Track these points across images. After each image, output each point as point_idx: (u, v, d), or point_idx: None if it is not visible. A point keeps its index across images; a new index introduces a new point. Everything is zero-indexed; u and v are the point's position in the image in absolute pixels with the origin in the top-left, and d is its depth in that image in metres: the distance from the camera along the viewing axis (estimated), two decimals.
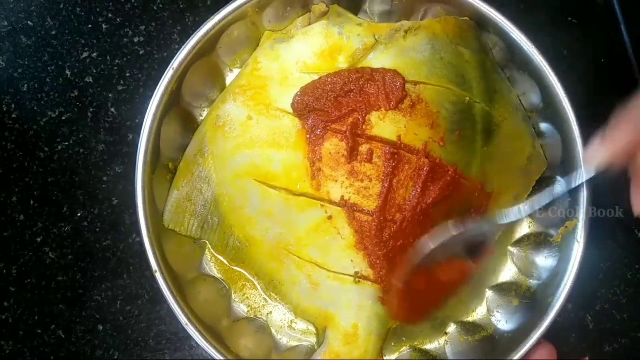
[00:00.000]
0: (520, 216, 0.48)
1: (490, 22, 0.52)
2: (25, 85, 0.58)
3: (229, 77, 0.56)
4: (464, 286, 0.50)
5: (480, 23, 0.53)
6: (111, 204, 0.57)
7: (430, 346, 0.54)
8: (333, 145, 0.49)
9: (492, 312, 0.54)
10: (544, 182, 0.54)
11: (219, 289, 0.54)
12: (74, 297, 0.56)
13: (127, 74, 0.59)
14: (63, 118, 0.58)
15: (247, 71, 0.52)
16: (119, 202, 0.57)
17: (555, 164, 0.54)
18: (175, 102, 0.52)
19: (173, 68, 0.50)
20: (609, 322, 0.58)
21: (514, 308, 0.53)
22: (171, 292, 0.48)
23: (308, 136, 0.50)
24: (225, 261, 0.54)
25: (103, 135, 0.58)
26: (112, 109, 0.58)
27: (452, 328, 0.54)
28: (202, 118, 0.55)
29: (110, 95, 0.58)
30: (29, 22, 0.59)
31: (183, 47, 0.50)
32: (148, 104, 0.56)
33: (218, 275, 0.54)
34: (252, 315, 0.54)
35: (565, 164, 0.52)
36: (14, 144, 0.57)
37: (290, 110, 0.50)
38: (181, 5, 0.60)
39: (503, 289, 0.55)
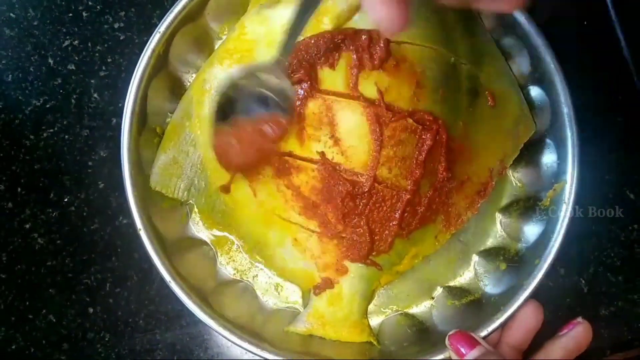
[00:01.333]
0: None
1: None
2: (10, 75, 0.59)
3: (217, 44, 0.57)
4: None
5: None
6: (97, 188, 0.58)
7: (416, 310, 0.54)
8: (317, 105, 0.49)
9: (479, 276, 0.54)
10: (533, 146, 0.54)
11: (206, 251, 0.55)
12: (64, 282, 0.57)
13: (109, 60, 0.59)
14: (47, 106, 0.59)
15: (234, 36, 0.53)
16: (105, 185, 0.58)
17: (545, 128, 0.54)
18: (162, 66, 0.53)
19: (160, 32, 0.51)
20: (604, 285, 0.58)
21: (501, 272, 0.53)
22: (155, 251, 0.49)
23: None
24: (210, 225, 0.55)
25: (87, 120, 0.59)
26: (95, 95, 0.59)
27: (438, 292, 0.54)
28: (190, 83, 0.56)
29: (92, 81, 0.59)
30: (11, 15, 0.60)
31: (170, 11, 0.51)
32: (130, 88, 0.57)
33: (204, 238, 0.55)
34: (238, 278, 0.55)
35: (555, 128, 0.52)
36: (0, 134, 0.58)
37: None
38: None
39: (491, 253, 0.54)
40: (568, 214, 0.50)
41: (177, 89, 0.55)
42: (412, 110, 0.49)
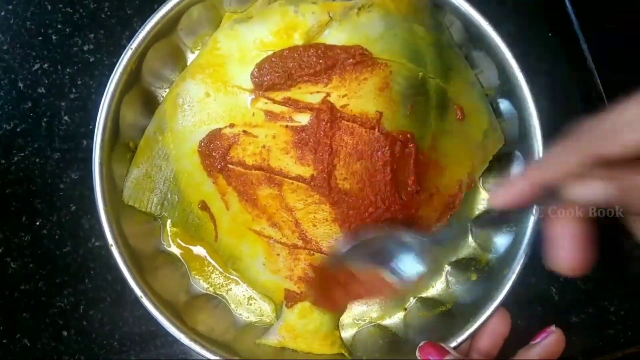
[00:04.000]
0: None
1: (447, 1, 0.54)
2: None
3: (190, 59, 0.59)
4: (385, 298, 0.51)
5: (436, 2, 0.55)
6: (69, 210, 0.59)
7: (389, 321, 0.55)
8: (290, 121, 0.51)
9: (451, 287, 0.55)
10: (502, 158, 0.56)
11: (178, 266, 0.57)
12: (38, 305, 0.57)
13: (79, 82, 0.61)
14: (18, 130, 0.60)
15: (207, 50, 0.54)
16: (77, 208, 0.59)
17: (513, 140, 0.55)
18: (135, 82, 0.54)
19: (132, 48, 0.52)
20: (575, 293, 0.59)
21: (472, 283, 0.54)
22: (127, 266, 0.50)
23: None
24: (182, 241, 0.57)
25: (58, 143, 0.60)
26: (66, 117, 0.60)
27: (411, 303, 0.55)
28: (163, 98, 0.57)
29: (63, 104, 0.60)
30: None
31: (142, 28, 0.52)
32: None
33: (177, 252, 0.56)
34: (211, 292, 0.56)
35: (523, 140, 0.54)
36: None
37: (247, 87, 0.52)
38: (129, 12, 0.62)
39: (462, 264, 0.56)
40: (534, 225, 0.51)
41: (150, 104, 0.57)
42: (380, 124, 0.51)
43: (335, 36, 0.53)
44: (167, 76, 0.58)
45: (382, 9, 0.54)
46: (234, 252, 0.54)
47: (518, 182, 0.39)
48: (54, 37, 0.62)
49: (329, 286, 0.50)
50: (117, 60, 0.58)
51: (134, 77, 0.54)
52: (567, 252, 0.38)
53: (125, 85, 0.53)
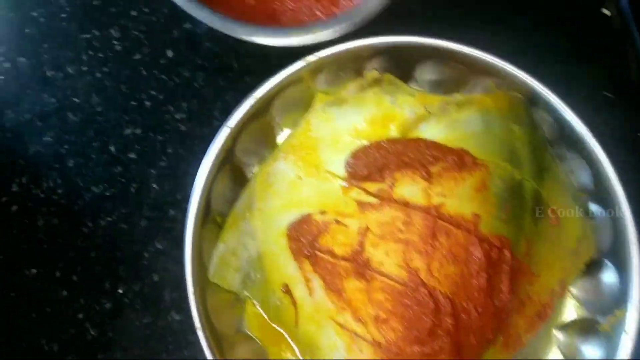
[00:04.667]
0: None
1: (540, 98, 0.52)
2: (72, 161, 0.61)
3: (280, 136, 0.58)
4: None
5: (530, 98, 0.54)
6: (152, 280, 0.59)
7: None
8: (383, 214, 0.50)
9: None
10: (593, 265, 0.53)
11: (256, 349, 0.55)
12: None
13: (170, 150, 0.61)
14: (107, 194, 0.60)
15: (299, 132, 0.54)
16: (160, 278, 0.59)
17: (605, 247, 0.53)
18: (228, 160, 0.54)
19: (229, 127, 0.52)
20: None
21: None
22: (211, 351, 0.49)
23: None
24: (265, 317, 0.55)
25: (145, 211, 0.60)
26: (155, 185, 0.60)
27: None
28: (252, 174, 0.57)
29: (152, 171, 0.60)
30: (75, 99, 0.62)
31: (239, 106, 0.53)
32: (188, 181, 0.58)
33: (255, 335, 0.55)
34: None
35: (616, 248, 0.51)
36: (59, 220, 0.60)
37: (340, 174, 0.51)
38: (221, 83, 0.62)
39: None
40: (629, 346, 0.48)
41: (239, 180, 0.56)
42: (477, 227, 0.50)
43: (432, 131, 0.52)
44: (257, 152, 0.57)
45: (481, 106, 0.53)
46: (313, 340, 0.52)
47: None
48: (147, 103, 0.62)
49: None
50: (209, 130, 0.58)
51: (227, 154, 0.53)
52: None
53: (219, 163, 0.53)
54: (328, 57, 0.53)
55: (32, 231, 0.60)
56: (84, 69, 0.63)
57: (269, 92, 0.53)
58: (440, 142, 0.51)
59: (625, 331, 0.49)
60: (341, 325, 0.50)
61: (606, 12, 0.66)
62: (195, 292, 0.50)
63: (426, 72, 0.57)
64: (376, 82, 0.56)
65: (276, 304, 0.53)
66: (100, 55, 0.63)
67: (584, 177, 0.54)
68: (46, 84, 0.63)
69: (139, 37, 0.64)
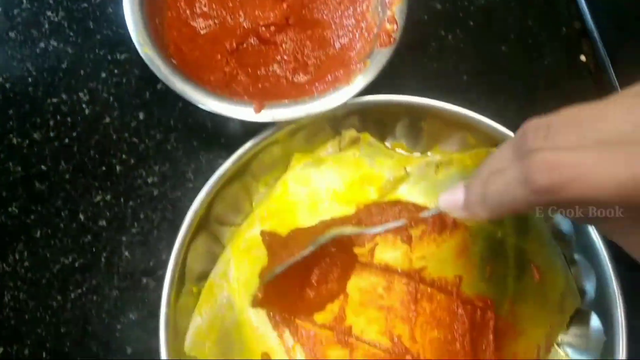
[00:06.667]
0: None
1: None
2: (39, 231, 0.59)
3: (256, 197, 0.57)
4: None
5: None
6: (125, 353, 0.57)
7: None
8: (363, 279, 0.49)
9: None
10: (578, 316, 0.53)
11: None
12: None
13: (141, 216, 0.59)
14: (76, 265, 0.58)
15: (276, 195, 0.53)
16: (133, 351, 0.57)
17: (590, 299, 0.53)
18: (202, 227, 0.53)
19: (205, 192, 0.51)
20: None
21: None
22: None
23: None
24: None
25: (117, 281, 0.58)
26: (126, 253, 0.59)
27: None
28: (226, 240, 0.56)
29: (124, 238, 0.59)
30: (42, 167, 0.61)
31: (213, 175, 0.51)
32: (161, 247, 0.57)
33: None
34: None
35: (601, 302, 0.51)
36: (27, 294, 0.58)
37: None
38: (195, 144, 0.61)
39: None
40: None
41: (214, 247, 0.55)
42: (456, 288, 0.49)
43: (411, 193, 0.52)
44: (232, 217, 0.56)
45: (461, 165, 0.53)
46: None
47: None
48: (118, 168, 0.61)
49: None
50: (181, 192, 0.57)
51: (202, 222, 0.52)
52: None
53: (194, 231, 0.51)
54: (305, 119, 0.53)
55: None
56: (52, 134, 0.62)
57: (243, 155, 0.53)
58: (420, 204, 0.51)
59: None
60: None
61: (583, 58, 0.67)
62: None
63: (404, 128, 0.57)
64: (354, 142, 0.56)
65: None
66: (69, 120, 0.62)
67: (565, 227, 0.54)
68: (12, 151, 0.61)
69: (109, 99, 0.63)
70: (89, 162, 0.61)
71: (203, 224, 0.53)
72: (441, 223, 0.50)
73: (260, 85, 0.57)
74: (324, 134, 0.56)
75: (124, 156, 0.61)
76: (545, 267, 0.52)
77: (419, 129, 0.56)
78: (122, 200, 0.60)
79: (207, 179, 0.58)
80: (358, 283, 0.49)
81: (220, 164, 0.59)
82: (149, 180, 0.61)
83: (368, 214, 0.51)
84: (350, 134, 0.55)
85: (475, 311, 0.49)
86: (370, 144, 0.55)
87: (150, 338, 0.57)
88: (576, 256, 0.54)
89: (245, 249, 0.52)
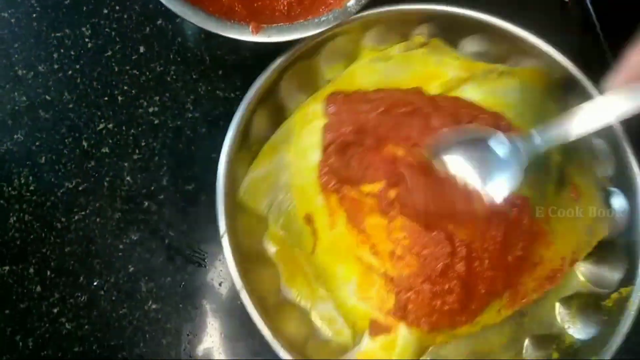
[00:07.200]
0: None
1: (578, 83, 0.55)
2: (43, 157, 0.61)
3: (322, 83, 0.61)
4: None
5: (568, 82, 0.56)
6: (127, 272, 0.59)
7: None
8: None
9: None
10: (605, 245, 0.56)
11: (273, 269, 0.57)
12: None
13: (143, 144, 0.62)
14: (80, 188, 0.61)
15: (343, 80, 0.57)
16: (135, 269, 0.59)
17: (620, 231, 0.55)
18: (270, 95, 0.57)
19: (275, 64, 0.55)
20: None
21: None
22: (233, 258, 0.52)
23: None
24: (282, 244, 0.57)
25: (119, 204, 0.60)
26: (128, 178, 0.61)
27: None
28: (292, 113, 0.59)
29: (126, 164, 0.61)
30: (46, 97, 0.63)
31: (287, 50, 0.55)
32: (162, 172, 0.59)
33: (273, 254, 0.57)
34: (297, 301, 0.56)
35: (629, 234, 0.54)
36: (32, 216, 0.60)
37: None
38: (194, 76, 0.64)
39: (544, 340, 0.55)
40: (629, 324, 0.50)
41: (279, 116, 0.59)
42: None
43: (471, 93, 0.55)
44: (299, 94, 0.60)
45: (522, 78, 0.56)
46: (328, 269, 0.54)
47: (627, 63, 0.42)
48: (119, 98, 0.63)
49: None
50: (181, 122, 0.60)
51: (271, 90, 0.56)
52: None
53: (264, 93, 0.56)
54: (377, 15, 0.56)
55: (4, 228, 0.60)
56: (56, 67, 0.64)
57: (317, 36, 0.56)
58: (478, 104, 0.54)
59: (629, 309, 0.51)
60: (358, 258, 0.52)
61: None
62: (225, 204, 0.53)
63: (471, 44, 0.60)
64: (422, 46, 0.59)
65: (297, 230, 0.55)
66: (72, 53, 0.65)
67: (608, 165, 0.57)
68: (17, 82, 0.63)
69: (111, 34, 0.65)
70: (92, 92, 0.63)
71: (272, 91, 0.57)
72: (495, 123, 0.52)
73: (257, 18, 0.59)
74: (393, 37, 0.60)
75: (125, 87, 0.64)
76: (583, 189, 0.55)
77: (486, 47, 0.59)
78: (124, 128, 0.63)
79: (206, 110, 0.62)
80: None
81: (218, 96, 0.63)
82: (150, 110, 0.63)
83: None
84: (419, 38, 0.59)
85: (513, 207, 0.51)
86: (438, 46, 0.58)
87: (152, 257, 0.60)
88: (613, 191, 0.57)
89: (307, 120, 0.56)
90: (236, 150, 0.54)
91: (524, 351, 0.55)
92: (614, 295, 0.52)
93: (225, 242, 0.52)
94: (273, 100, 0.57)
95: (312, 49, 0.56)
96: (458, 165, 0.49)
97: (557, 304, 0.56)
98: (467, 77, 0.56)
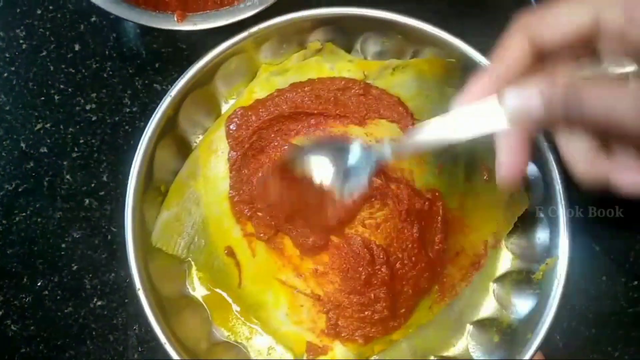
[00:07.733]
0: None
1: (477, 65, 0.55)
2: None
3: (225, 107, 0.60)
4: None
5: (467, 65, 0.56)
6: (71, 270, 0.59)
7: None
8: None
9: (472, 347, 0.54)
10: (526, 219, 0.56)
11: (201, 312, 0.56)
12: None
13: (81, 141, 0.62)
14: (20, 190, 0.61)
15: (242, 99, 0.57)
16: (79, 267, 0.59)
17: (538, 202, 0.55)
18: (171, 128, 0.55)
19: (171, 96, 0.54)
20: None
21: (494, 344, 0.53)
22: (152, 311, 0.50)
23: None
24: (206, 286, 0.56)
25: (60, 202, 0.60)
26: (68, 176, 0.61)
27: None
28: (196, 143, 0.59)
29: (65, 163, 0.61)
30: None
31: (181, 77, 0.54)
32: (102, 169, 0.59)
33: (200, 298, 0.56)
34: (232, 340, 0.55)
35: (547, 204, 0.54)
36: None
37: None
38: (130, 71, 0.63)
39: (484, 324, 0.55)
40: (559, 291, 0.51)
41: (183, 149, 0.58)
42: (407, 180, 0.52)
43: None
44: (201, 123, 0.59)
45: (416, 70, 0.56)
46: (257, 300, 0.54)
47: (479, 78, 0.39)
48: (56, 97, 0.63)
49: None
50: (119, 118, 0.60)
51: (171, 123, 0.55)
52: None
53: (162, 130, 0.54)
54: (270, 27, 0.55)
55: None
56: None
57: (210, 61, 0.55)
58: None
59: (556, 278, 0.51)
60: (283, 282, 0.53)
61: None
62: (135, 255, 0.51)
63: (367, 44, 0.60)
64: (318, 52, 0.59)
65: (220, 267, 0.55)
66: (7, 55, 0.64)
67: None
68: None
69: (45, 34, 0.65)
70: (28, 93, 0.63)
71: (172, 124, 0.55)
72: (398, 114, 0.53)
73: (189, 9, 0.59)
74: (289, 47, 0.59)
75: (61, 86, 0.63)
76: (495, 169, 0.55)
77: (382, 44, 0.59)
78: (61, 127, 0.62)
79: (144, 104, 0.62)
80: None
81: (155, 89, 0.62)
82: (87, 107, 0.63)
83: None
84: (314, 45, 0.58)
85: (424, 202, 0.52)
86: (333, 51, 0.58)
87: (95, 254, 0.60)
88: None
89: (212, 149, 0.55)
90: (141, 193, 0.52)
91: (469, 338, 0.55)
92: (542, 267, 0.52)
93: (142, 296, 0.50)
94: (174, 134, 0.56)
95: (206, 74, 0.55)
96: (320, 167, 0.49)
97: (492, 285, 0.56)
98: (362, 78, 0.56)
